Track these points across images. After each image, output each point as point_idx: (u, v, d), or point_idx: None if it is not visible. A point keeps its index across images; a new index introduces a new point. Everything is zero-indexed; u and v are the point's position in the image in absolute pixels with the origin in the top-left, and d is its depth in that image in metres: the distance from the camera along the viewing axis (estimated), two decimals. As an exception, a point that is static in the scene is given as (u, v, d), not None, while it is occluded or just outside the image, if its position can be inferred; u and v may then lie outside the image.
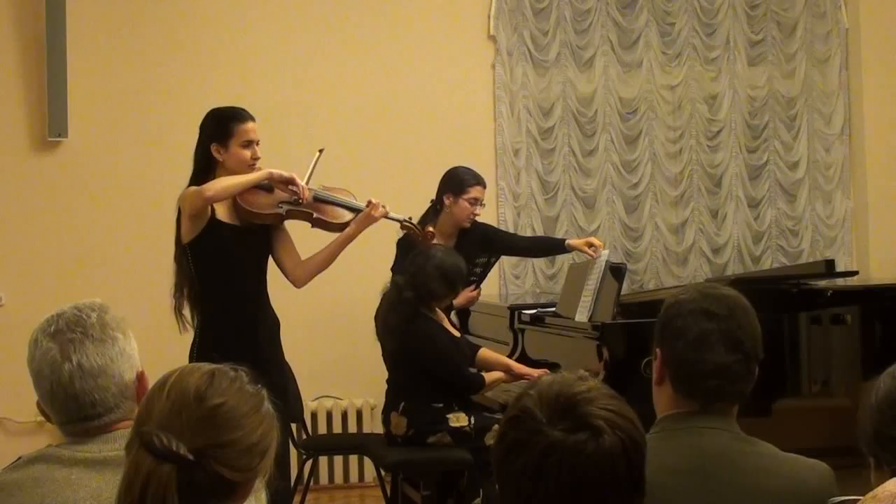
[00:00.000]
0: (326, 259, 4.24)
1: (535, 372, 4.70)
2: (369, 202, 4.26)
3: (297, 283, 4.25)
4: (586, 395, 1.53)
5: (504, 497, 1.55)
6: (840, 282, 5.11)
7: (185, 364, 1.64)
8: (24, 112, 6.15)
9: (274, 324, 4.19)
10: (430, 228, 4.67)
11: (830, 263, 4.73)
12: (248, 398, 1.62)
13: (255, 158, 4.08)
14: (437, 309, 4.71)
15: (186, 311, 4.09)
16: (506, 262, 6.54)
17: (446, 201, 5.18)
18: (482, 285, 5.48)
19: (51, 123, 6.07)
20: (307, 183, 4.18)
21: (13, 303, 6.06)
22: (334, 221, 4.25)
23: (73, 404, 1.97)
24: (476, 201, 5.18)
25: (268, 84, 6.34)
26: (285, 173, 4.08)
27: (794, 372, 4.43)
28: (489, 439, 4.56)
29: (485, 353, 4.82)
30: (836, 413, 4.45)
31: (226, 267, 4.03)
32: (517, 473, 1.52)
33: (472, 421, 4.57)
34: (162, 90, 6.29)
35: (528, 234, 6.57)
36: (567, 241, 5.36)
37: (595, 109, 6.84)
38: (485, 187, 5.24)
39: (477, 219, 5.25)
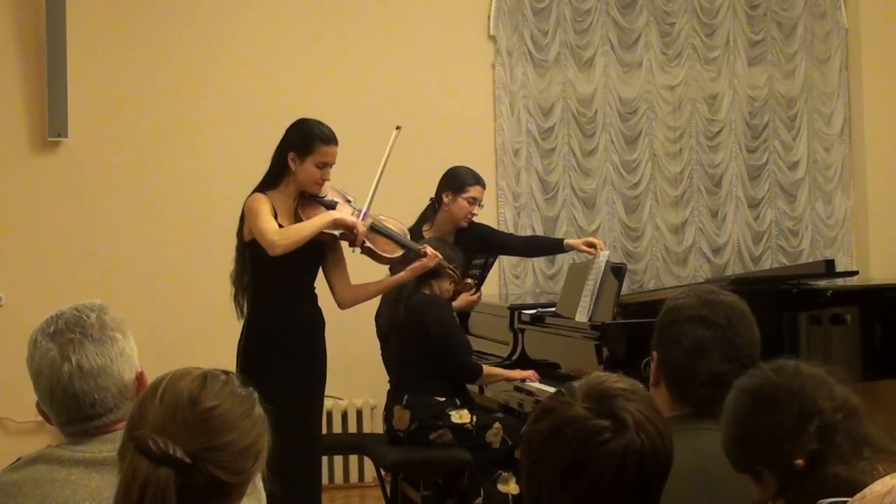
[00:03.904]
0: (375, 292, 4.53)
1: (523, 373, 4.74)
2: (425, 249, 4.46)
3: (343, 304, 4.44)
4: (628, 394, 1.56)
5: (523, 457, 1.61)
6: (840, 282, 5.11)
7: (177, 368, 1.64)
8: (24, 112, 6.15)
9: (320, 322, 4.34)
10: (469, 280, 4.69)
11: (830, 263, 4.74)
12: (241, 401, 1.62)
13: (323, 179, 4.27)
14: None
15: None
16: (506, 262, 6.53)
17: (445, 199, 5.17)
18: (481, 287, 5.47)
19: (51, 123, 6.06)
20: (383, 167, 4.43)
21: (13, 303, 6.06)
22: (383, 254, 4.43)
23: (72, 404, 1.96)
24: (475, 201, 5.17)
25: (267, 84, 6.34)
26: (348, 220, 4.23)
27: (793, 372, 4.43)
28: (490, 437, 4.57)
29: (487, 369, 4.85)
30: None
31: (280, 268, 4.19)
32: (537, 434, 1.58)
33: (474, 419, 4.57)
34: (162, 90, 6.28)
35: (528, 234, 6.55)
36: (565, 241, 5.35)
37: (595, 109, 6.84)
38: (484, 188, 5.24)
39: (474, 219, 5.24)
